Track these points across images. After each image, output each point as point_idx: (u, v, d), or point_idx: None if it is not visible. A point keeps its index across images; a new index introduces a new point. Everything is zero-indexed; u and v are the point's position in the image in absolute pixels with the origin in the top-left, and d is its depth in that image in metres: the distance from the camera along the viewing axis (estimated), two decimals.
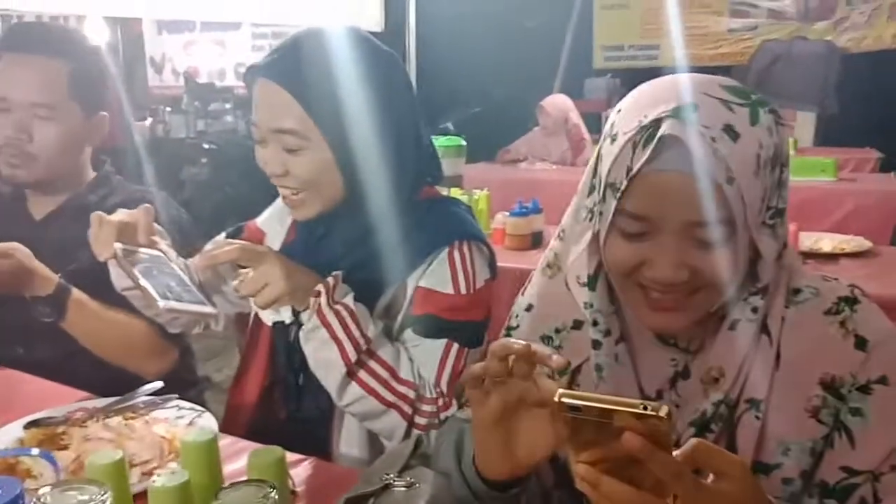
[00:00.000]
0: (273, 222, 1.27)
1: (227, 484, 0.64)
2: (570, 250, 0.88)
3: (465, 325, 1.09)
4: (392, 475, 0.84)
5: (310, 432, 1.11)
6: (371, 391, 1.03)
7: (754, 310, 0.80)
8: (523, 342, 0.70)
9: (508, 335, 0.96)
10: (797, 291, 0.84)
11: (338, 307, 1.01)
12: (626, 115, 0.78)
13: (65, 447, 0.92)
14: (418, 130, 1.11)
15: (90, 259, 1.27)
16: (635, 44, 6.98)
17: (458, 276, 1.09)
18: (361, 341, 1.02)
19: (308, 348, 1.03)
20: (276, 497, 0.62)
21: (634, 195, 0.75)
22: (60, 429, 0.97)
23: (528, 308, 0.95)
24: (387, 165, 1.06)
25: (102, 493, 0.60)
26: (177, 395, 1.11)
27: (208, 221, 5.64)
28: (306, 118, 1.01)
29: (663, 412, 0.58)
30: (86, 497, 0.59)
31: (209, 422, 1.03)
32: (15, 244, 1.21)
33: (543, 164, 4.45)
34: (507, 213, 2.43)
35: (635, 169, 0.74)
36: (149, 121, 6.77)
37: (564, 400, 0.60)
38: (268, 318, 1.14)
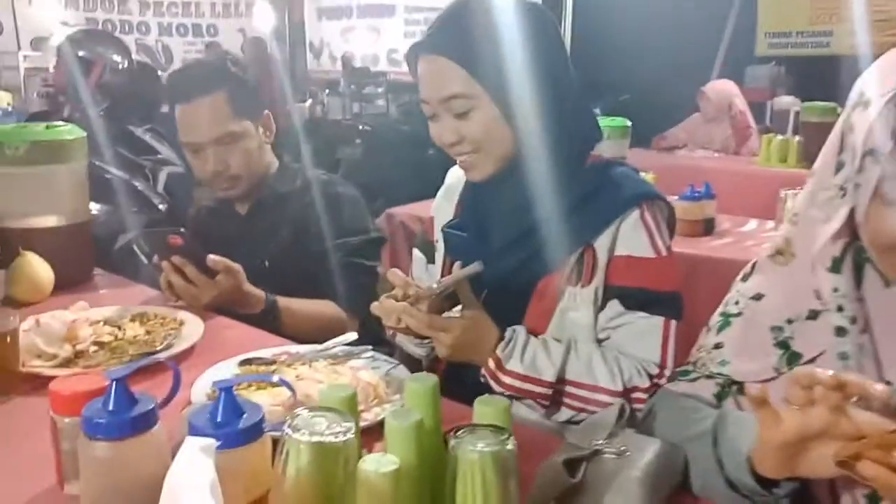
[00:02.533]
0: (441, 203, 1.29)
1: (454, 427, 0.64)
2: (808, 235, 0.82)
3: (674, 298, 1.06)
4: (601, 441, 0.81)
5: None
6: (579, 409, 1.03)
7: None
8: (831, 373, 0.66)
9: (727, 321, 0.91)
10: None
11: (506, 380, 1.01)
12: (878, 79, 0.73)
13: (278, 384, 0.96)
14: (575, 89, 1.10)
15: (286, 241, 1.53)
16: (805, 30, 6.45)
17: (656, 239, 1.07)
18: (545, 389, 1.01)
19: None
20: (513, 445, 0.61)
21: None
22: (272, 368, 1.03)
23: (757, 297, 0.89)
24: (552, 121, 1.06)
25: (347, 421, 0.61)
26: (371, 347, 1.15)
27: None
28: (469, 79, 1.03)
29: None
30: (334, 424, 0.61)
31: (404, 373, 1.05)
32: (237, 266, 1.34)
33: (704, 152, 4.22)
34: (677, 198, 2.32)
35: None
36: (308, 102, 7.14)
37: None
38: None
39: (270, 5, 7.69)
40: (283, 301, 1.42)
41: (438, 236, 1.25)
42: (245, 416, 0.66)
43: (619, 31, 5.30)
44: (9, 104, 6.40)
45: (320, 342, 1.39)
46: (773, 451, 0.71)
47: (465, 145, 1.07)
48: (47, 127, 1.49)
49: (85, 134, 1.53)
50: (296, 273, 1.47)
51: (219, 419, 0.65)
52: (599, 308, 1.07)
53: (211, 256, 1.31)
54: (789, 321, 0.84)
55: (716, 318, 0.93)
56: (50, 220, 1.48)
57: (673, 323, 1.05)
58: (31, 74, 6.61)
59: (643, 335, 1.04)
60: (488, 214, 1.14)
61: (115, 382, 0.67)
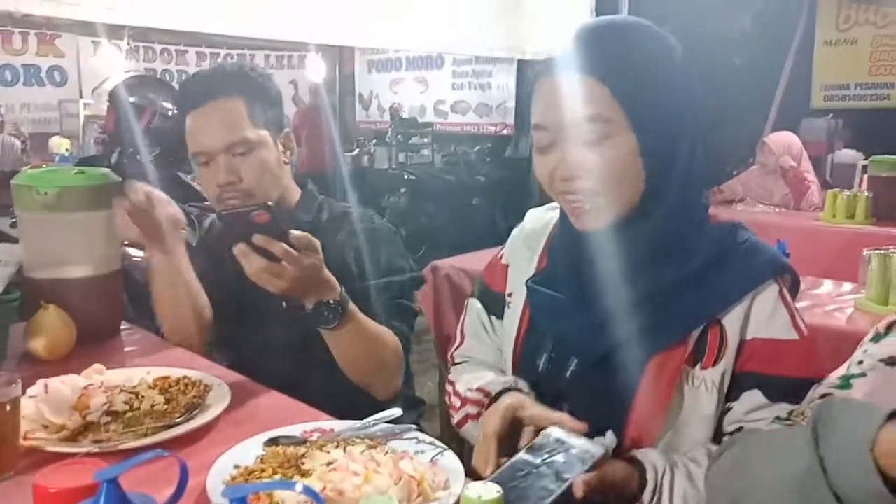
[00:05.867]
0: (518, 250, 1.11)
1: None
2: None
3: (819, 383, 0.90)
4: None
5: None
6: None
7: None
8: None
9: (847, 383, 0.75)
10: None
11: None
12: None
13: (307, 472, 0.83)
14: (703, 137, 0.94)
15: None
16: (864, 82, 6.27)
17: (797, 318, 0.92)
18: None
19: None
20: None
21: None
22: (301, 450, 0.89)
23: (893, 362, 0.73)
24: (684, 168, 0.91)
25: None
26: (415, 427, 1.01)
27: (405, 247, 5.79)
28: (611, 99, 0.87)
29: None
30: None
31: (453, 462, 0.90)
32: (318, 241, 1.17)
33: (764, 207, 4.02)
34: None
35: None
36: (356, 151, 7.20)
37: None
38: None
39: (322, 58, 7.84)
40: (353, 305, 1.24)
41: (514, 289, 1.08)
42: None
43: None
44: (67, 150, 6.60)
45: (373, 377, 1.29)
46: None
47: (587, 182, 0.89)
48: (80, 171, 1.42)
49: (119, 179, 1.45)
50: None
51: None
52: (727, 395, 0.91)
53: (293, 232, 1.14)
54: None
55: (833, 380, 0.78)
56: (78, 271, 1.39)
57: None
58: (90, 121, 6.82)
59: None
60: (589, 272, 0.94)
61: (105, 484, 0.55)
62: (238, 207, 1.22)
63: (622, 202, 0.91)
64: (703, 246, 0.92)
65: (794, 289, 0.97)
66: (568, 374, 0.98)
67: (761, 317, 0.90)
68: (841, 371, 0.79)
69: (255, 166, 1.37)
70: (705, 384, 0.90)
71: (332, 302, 1.18)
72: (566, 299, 0.97)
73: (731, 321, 0.90)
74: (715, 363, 0.90)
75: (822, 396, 0.78)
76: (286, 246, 1.11)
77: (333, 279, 1.20)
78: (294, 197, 1.48)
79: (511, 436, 0.89)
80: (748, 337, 0.91)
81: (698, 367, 0.90)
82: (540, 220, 1.11)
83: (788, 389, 0.88)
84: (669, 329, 0.90)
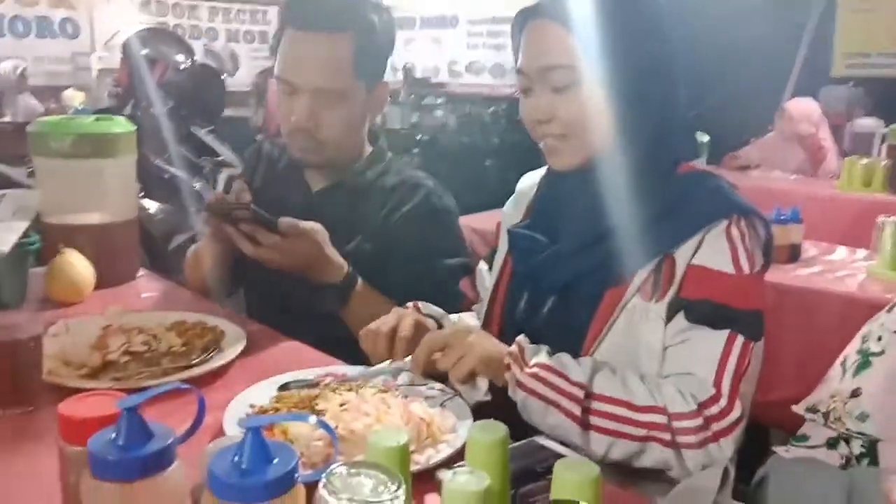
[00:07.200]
0: (509, 209, 1.19)
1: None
2: None
3: (749, 315, 0.91)
4: None
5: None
6: (616, 433, 0.87)
7: None
8: None
9: (867, 361, 0.76)
10: None
11: (534, 370, 0.89)
12: None
13: (320, 413, 0.85)
14: (680, 99, 0.99)
15: (361, 244, 1.31)
16: (886, 51, 6.13)
17: (739, 254, 0.93)
18: (576, 390, 0.87)
19: (533, 420, 0.90)
20: None
21: None
22: (314, 393, 0.92)
23: None
24: (653, 120, 0.96)
25: (396, 486, 0.50)
26: None
27: None
28: (578, 50, 0.93)
29: None
30: (380, 487, 0.49)
31: (462, 407, 0.93)
32: (317, 225, 1.18)
33: (780, 173, 3.99)
34: None
35: None
36: None
37: None
38: (470, 398, 1.00)
39: None
40: (362, 284, 1.21)
41: (502, 239, 1.14)
42: (275, 462, 0.54)
43: (690, 48, 5.11)
44: (81, 103, 6.58)
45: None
46: None
47: (555, 125, 0.97)
48: (96, 119, 1.43)
49: (134, 128, 1.46)
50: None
51: (244, 466, 0.54)
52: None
53: (282, 220, 1.13)
54: None
55: (852, 357, 0.78)
56: (94, 217, 1.42)
57: (740, 339, 0.89)
58: (103, 75, 6.80)
59: (702, 350, 0.90)
60: (562, 213, 1.03)
61: (126, 412, 0.57)
62: (222, 201, 1.18)
63: (590, 146, 0.97)
64: (668, 191, 0.96)
65: (768, 236, 0.97)
66: (545, 310, 1.02)
67: (703, 248, 0.93)
68: (857, 344, 0.79)
69: (338, 119, 1.29)
70: (657, 316, 0.93)
71: (332, 285, 1.20)
72: (539, 238, 1.03)
73: (682, 254, 0.93)
74: (665, 295, 0.93)
75: (854, 393, 0.77)
76: (270, 235, 1.13)
77: (338, 261, 1.21)
78: (364, 150, 1.39)
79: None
80: (689, 264, 0.93)
81: (653, 300, 0.93)
82: (532, 177, 1.18)
83: (712, 314, 0.90)
84: (625, 264, 0.94)
